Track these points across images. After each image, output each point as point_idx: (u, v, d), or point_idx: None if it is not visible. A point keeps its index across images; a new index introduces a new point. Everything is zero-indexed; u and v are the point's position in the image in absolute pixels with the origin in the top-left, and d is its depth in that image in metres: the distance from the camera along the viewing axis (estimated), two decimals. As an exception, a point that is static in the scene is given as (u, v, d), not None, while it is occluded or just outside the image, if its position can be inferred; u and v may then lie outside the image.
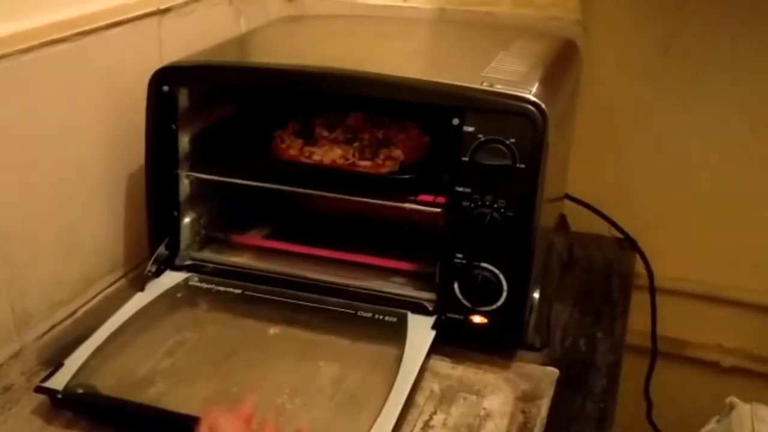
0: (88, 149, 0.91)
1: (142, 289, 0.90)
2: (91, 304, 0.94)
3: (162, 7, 1.00)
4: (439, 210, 0.83)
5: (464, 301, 0.82)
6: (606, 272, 1.10)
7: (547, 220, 0.90)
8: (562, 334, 0.93)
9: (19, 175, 0.82)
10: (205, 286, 0.93)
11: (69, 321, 0.90)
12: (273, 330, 0.89)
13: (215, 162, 0.94)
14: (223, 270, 0.93)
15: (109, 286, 0.97)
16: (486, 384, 0.81)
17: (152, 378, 0.80)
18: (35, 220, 0.85)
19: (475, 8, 1.11)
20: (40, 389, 0.75)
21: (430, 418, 0.76)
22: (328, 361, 0.83)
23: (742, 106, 1.10)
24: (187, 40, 0.99)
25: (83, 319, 0.91)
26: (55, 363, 0.79)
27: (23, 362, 0.83)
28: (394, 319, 0.85)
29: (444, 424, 0.75)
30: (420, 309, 0.86)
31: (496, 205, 0.78)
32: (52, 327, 0.88)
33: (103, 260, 0.96)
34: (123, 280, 0.99)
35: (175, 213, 0.93)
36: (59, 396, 0.74)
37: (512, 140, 0.76)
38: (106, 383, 0.76)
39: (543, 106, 0.76)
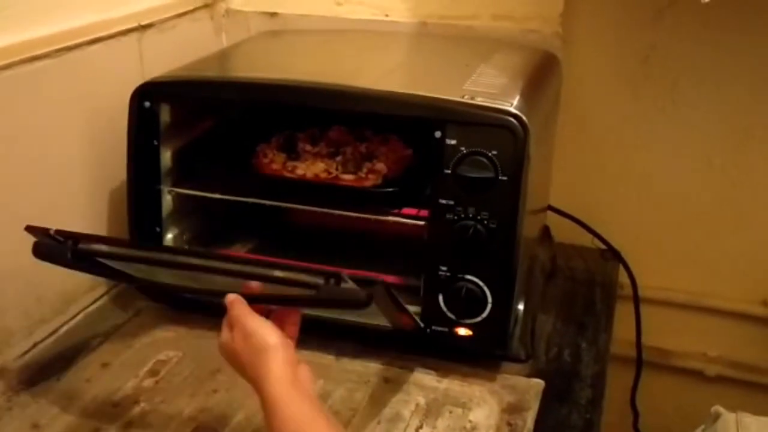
0: (69, 165, 0.91)
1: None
2: (72, 322, 0.93)
3: (143, 23, 1.00)
4: (422, 223, 0.83)
5: (449, 314, 0.82)
6: (590, 283, 1.10)
7: (531, 231, 0.90)
8: (547, 346, 0.93)
9: (-1, 192, 0.81)
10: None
11: (50, 339, 0.89)
12: (257, 346, 0.88)
13: (198, 177, 0.93)
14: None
15: (90, 304, 0.96)
16: (472, 396, 0.81)
17: (136, 397, 0.79)
18: (15, 237, 0.84)
19: (456, 22, 1.12)
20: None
21: (416, 431, 0.76)
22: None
23: (722, 116, 1.11)
24: (168, 55, 0.99)
25: (64, 338, 0.90)
26: (35, 382, 0.78)
27: (4, 381, 0.82)
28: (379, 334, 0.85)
29: (430, 438, 0.75)
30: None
31: (479, 217, 0.78)
32: (34, 345, 0.87)
33: (84, 278, 0.95)
34: (105, 298, 0.98)
35: (158, 229, 0.92)
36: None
37: (494, 152, 0.76)
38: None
39: (524, 118, 0.76)
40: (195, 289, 0.78)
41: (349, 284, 0.62)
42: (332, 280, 0.62)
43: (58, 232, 0.72)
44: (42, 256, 0.73)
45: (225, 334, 0.66)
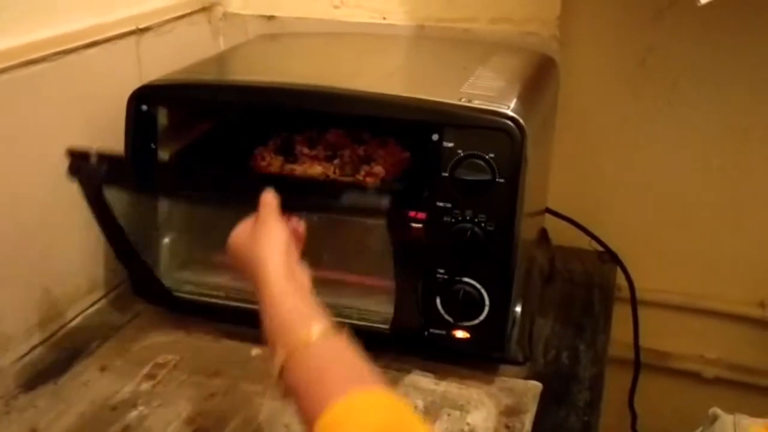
0: (66, 168, 0.90)
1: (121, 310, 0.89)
2: (70, 325, 0.93)
3: (140, 26, 1.00)
4: (420, 225, 0.83)
5: (446, 317, 0.82)
6: (587, 285, 1.10)
7: (528, 234, 0.90)
8: (545, 348, 0.93)
9: (-4, 196, 0.81)
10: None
11: (48, 343, 0.89)
12: (255, 350, 0.88)
13: (195, 180, 0.93)
14: (203, 291, 0.93)
15: (88, 308, 0.96)
16: (469, 399, 0.81)
17: (134, 400, 0.79)
18: (13, 241, 0.84)
19: (453, 25, 1.12)
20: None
21: (414, 434, 0.76)
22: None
23: (721, 117, 1.11)
24: (166, 59, 0.99)
25: (62, 341, 0.90)
26: (33, 385, 0.78)
27: (2, 385, 0.82)
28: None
29: (428, 441, 0.75)
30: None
31: (476, 220, 0.78)
32: (31, 349, 0.87)
33: (82, 281, 0.95)
34: (103, 301, 0.98)
35: (156, 231, 0.92)
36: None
37: (491, 155, 0.76)
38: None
39: (521, 121, 0.76)
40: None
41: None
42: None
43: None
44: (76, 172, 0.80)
45: (243, 223, 0.69)
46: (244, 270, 0.67)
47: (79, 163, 0.81)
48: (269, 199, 0.69)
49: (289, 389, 0.56)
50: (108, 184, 0.82)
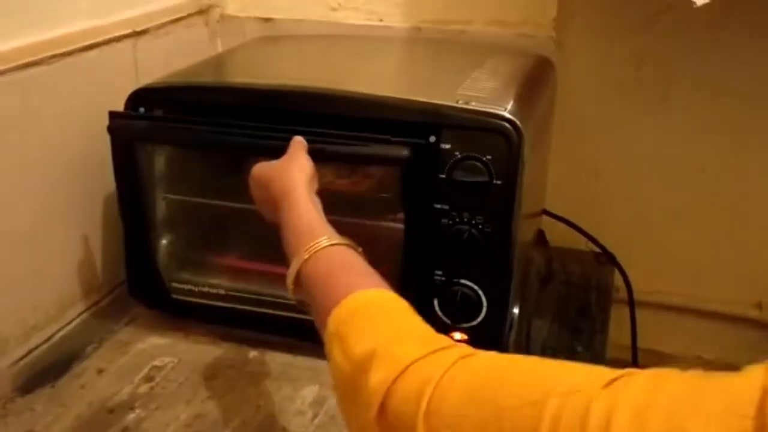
0: (63, 171, 0.91)
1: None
2: (67, 329, 0.93)
3: (138, 29, 1.00)
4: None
5: (444, 318, 0.82)
6: (585, 286, 1.10)
7: (525, 235, 0.90)
8: (542, 349, 0.93)
9: (-7, 199, 0.81)
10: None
11: (45, 346, 0.89)
12: (252, 353, 0.88)
13: (192, 183, 0.93)
14: (201, 292, 0.93)
15: (85, 311, 0.96)
16: (467, 401, 0.81)
17: (131, 403, 0.79)
18: (9, 243, 0.84)
19: (450, 27, 1.12)
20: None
21: (412, 436, 0.76)
22: (307, 383, 0.82)
23: (717, 119, 1.11)
24: (163, 61, 0.99)
25: (59, 344, 0.90)
26: (30, 388, 0.77)
27: (-2, 389, 0.82)
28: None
29: (426, 443, 0.75)
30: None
31: (473, 222, 0.78)
32: (28, 352, 0.87)
33: (79, 284, 0.95)
34: (100, 304, 0.98)
35: (152, 235, 0.92)
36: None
37: (488, 157, 0.76)
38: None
39: (518, 122, 0.76)
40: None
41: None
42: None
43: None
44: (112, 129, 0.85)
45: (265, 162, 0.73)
46: (268, 192, 0.70)
47: (117, 121, 0.84)
48: (299, 138, 0.74)
49: (304, 291, 0.59)
50: (141, 141, 0.87)
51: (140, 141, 0.88)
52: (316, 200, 0.68)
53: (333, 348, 0.52)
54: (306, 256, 0.59)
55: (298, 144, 0.74)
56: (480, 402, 0.43)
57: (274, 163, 0.72)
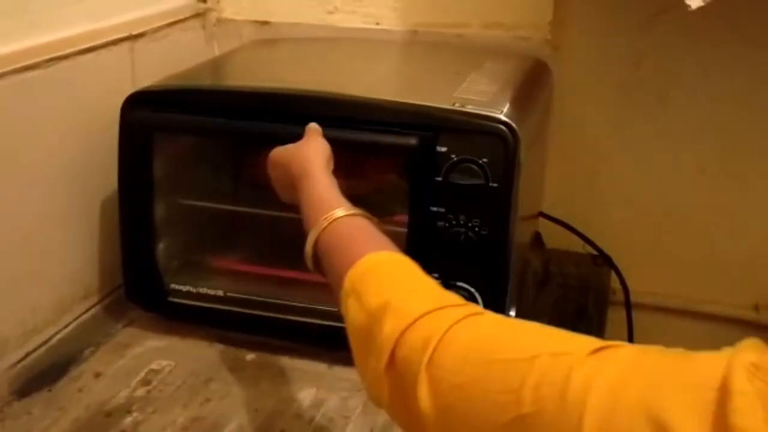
0: (61, 174, 0.91)
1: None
2: (65, 331, 0.93)
3: (134, 32, 1.00)
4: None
5: (441, 321, 0.82)
6: (582, 289, 1.10)
7: (522, 237, 0.90)
8: (540, 352, 0.93)
9: (-9, 202, 0.81)
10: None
11: (42, 349, 0.89)
12: (250, 356, 0.88)
13: (191, 186, 0.93)
14: (199, 294, 0.93)
15: (83, 313, 0.96)
16: (464, 404, 0.81)
17: (128, 407, 0.79)
18: (8, 246, 0.84)
19: (447, 30, 1.12)
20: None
21: (409, 439, 0.76)
22: (305, 386, 0.82)
23: (713, 121, 1.11)
24: (160, 64, 0.99)
25: (57, 347, 0.90)
26: (27, 392, 0.77)
27: (-5, 391, 0.82)
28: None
29: (423, 446, 0.75)
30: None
31: (470, 224, 0.78)
32: (26, 355, 0.87)
33: (77, 287, 0.95)
34: (97, 308, 0.98)
35: (150, 238, 0.92)
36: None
37: (485, 160, 0.77)
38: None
39: (514, 125, 0.77)
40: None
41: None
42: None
43: None
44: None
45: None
46: (287, 171, 0.72)
47: (136, 109, 0.86)
48: (315, 125, 0.77)
49: (322, 258, 0.61)
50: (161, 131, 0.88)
51: (158, 130, 0.89)
52: (332, 178, 0.70)
53: (349, 303, 0.54)
54: (324, 225, 0.61)
55: (314, 130, 0.76)
56: (477, 358, 0.46)
57: (291, 146, 0.74)
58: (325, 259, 0.61)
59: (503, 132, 0.76)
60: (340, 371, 0.85)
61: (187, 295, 0.92)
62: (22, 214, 0.85)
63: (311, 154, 0.72)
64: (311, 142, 0.74)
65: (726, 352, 0.40)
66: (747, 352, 0.39)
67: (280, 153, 0.75)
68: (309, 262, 0.63)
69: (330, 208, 0.63)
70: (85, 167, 0.93)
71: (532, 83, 0.97)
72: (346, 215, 0.62)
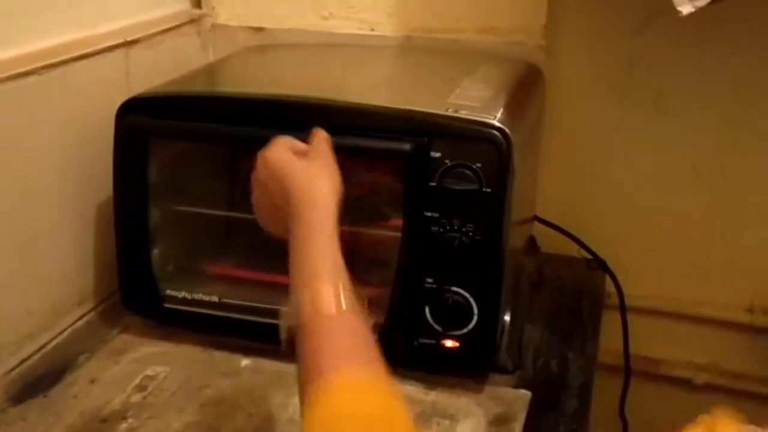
0: (56, 180, 0.91)
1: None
2: (60, 337, 0.93)
3: (129, 38, 1.00)
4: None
5: (435, 326, 0.83)
6: (576, 293, 1.11)
7: (516, 242, 0.90)
8: (534, 356, 0.93)
9: (-15, 209, 0.81)
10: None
11: (37, 356, 0.89)
12: (245, 361, 0.88)
13: (186, 192, 0.93)
14: (194, 300, 0.93)
15: (78, 319, 0.96)
16: (459, 408, 0.81)
17: (124, 413, 0.79)
18: (3, 253, 0.84)
19: (441, 35, 1.13)
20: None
21: (404, 444, 0.76)
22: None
23: (708, 124, 1.12)
24: (155, 71, 0.99)
25: (52, 353, 0.90)
26: (22, 398, 0.77)
27: (-10, 398, 0.82)
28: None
29: (418, 450, 0.75)
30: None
31: (464, 229, 0.79)
32: (21, 361, 0.87)
33: (72, 292, 0.95)
34: (92, 314, 0.98)
35: (146, 244, 0.92)
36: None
37: (478, 165, 0.77)
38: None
39: (507, 131, 0.77)
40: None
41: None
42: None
43: None
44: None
45: (278, 143, 0.66)
46: (281, 186, 0.63)
47: (131, 116, 0.85)
48: (324, 134, 0.68)
49: (297, 343, 0.56)
50: (156, 137, 0.87)
51: (153, 136, 0.88)
52: (336, 229, 0.61)
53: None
54: (308, 323, 0.55)
55: (324, 143, 0.66)
56: None
57: (296, 159, 0.63)
58: (300, 347, 0.56)
59: (497, 137, 0.77)
60: (335, 376, 0.85)
61: (183, 301, 0.92)
62: (16, 220, 0.85)
63: (322, 187, 0.61)
64: (323, 168, 0.63)
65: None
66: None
67: (281, 159, 0.64)
68: (283, 336, 0.58)
69: (319, 294, 0.56)
70: (80, 173, 0.93)
71: (526, 88, 0.98)
72: (336, 314, 0.55)
